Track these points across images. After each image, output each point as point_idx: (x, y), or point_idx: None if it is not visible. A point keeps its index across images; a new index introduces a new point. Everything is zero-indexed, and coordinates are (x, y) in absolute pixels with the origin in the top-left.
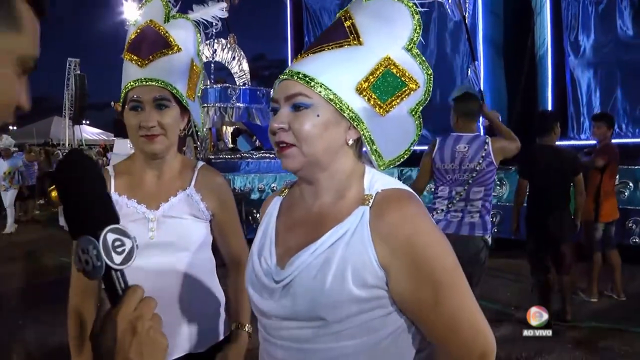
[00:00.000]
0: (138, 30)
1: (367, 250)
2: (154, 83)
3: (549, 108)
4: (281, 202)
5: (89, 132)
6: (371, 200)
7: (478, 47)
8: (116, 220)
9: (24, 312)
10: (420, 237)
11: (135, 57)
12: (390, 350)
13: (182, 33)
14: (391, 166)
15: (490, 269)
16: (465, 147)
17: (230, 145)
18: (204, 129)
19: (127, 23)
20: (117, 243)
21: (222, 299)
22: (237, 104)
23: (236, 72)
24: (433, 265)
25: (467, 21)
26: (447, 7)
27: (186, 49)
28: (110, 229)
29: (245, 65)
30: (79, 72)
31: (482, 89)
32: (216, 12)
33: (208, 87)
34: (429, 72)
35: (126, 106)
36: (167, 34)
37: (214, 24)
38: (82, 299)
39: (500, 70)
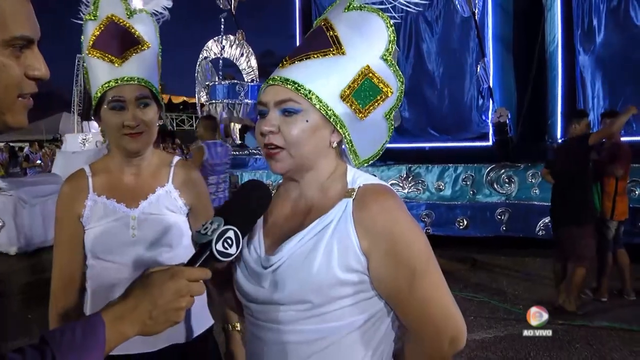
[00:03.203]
0: (102, 26)
1: (351, 237)
2: (134, 82)
3: (559, 105)
4: None
5: (97, 128)
6: (354, 194)
7: (487, 44)
8: (244, 229)
9: (32, 306)
10: (398, 227)
11: (107, 55)
12: (370, 332)
13: (146, 28)
14: (365, 165)
15: (499, 267)
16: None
17: (238, 142)
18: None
19: (83, 18)
20: (228, 240)
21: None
22: (245, 101)
23: (244, 69)
24: (409, 253)
25: (476, 17)
26: (456, 3)
27: (153, 45)
28: (235, 229)
29: (254, 62)
30: None
31: (491, 85)
32: (164, 2)
33: (216, 83)
34: (402, 80)
35: (104, 105)
36: (134, 30)
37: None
38: (64, 286)
39: (509, 67)
